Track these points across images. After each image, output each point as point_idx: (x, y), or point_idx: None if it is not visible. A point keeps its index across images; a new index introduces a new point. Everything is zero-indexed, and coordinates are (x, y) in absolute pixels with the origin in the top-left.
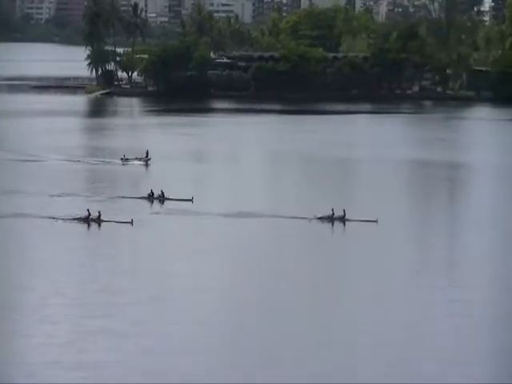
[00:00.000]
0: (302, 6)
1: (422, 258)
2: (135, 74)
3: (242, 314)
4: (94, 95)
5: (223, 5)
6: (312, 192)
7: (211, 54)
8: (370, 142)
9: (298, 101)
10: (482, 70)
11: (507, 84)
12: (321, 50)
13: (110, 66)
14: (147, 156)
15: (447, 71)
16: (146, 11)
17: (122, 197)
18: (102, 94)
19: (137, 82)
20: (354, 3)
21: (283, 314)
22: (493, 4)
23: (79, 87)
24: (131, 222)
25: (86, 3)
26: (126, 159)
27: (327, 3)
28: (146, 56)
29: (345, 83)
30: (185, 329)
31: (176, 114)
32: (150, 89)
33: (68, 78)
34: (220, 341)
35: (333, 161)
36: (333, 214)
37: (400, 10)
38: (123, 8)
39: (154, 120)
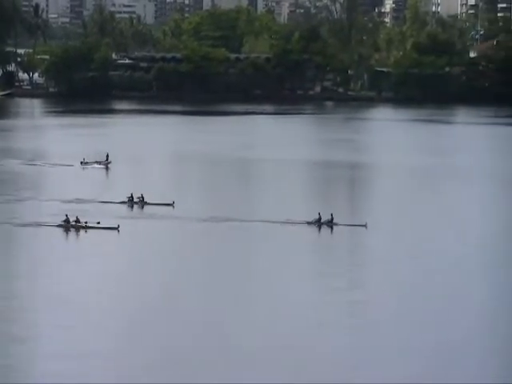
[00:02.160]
0: (205, 7)
1: (324, 260)
2: (36, 75)
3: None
4: None
5: (125, 5)
6: (217, 194)
7: (113, 55)
8: (272, 143)
9: (201, 101)
10: (383, 71)
11: (408, 85)
12: (223, 50)
13: (11, 67)
14: (107, 159)
15: (349, 72)
16: (47, 12)
17: (101, 201)
18: (2, 96)
19: (38, 83)
20: (256, 4)
21: (189, 313)
22: (393, 5)
23: None
24: (117, 228)
25: None
26: (86, 162)
27: (229, 4)
28: (47, 57)
29: (247, 84)
30: (92, 332)
31: (78, 115)
32: (51, 90)
33: None
34: (127, 343)
35: (234, 161)
36: (320, 219)
37: (302, 11)
38: (24, 8)
39: (56, 121)
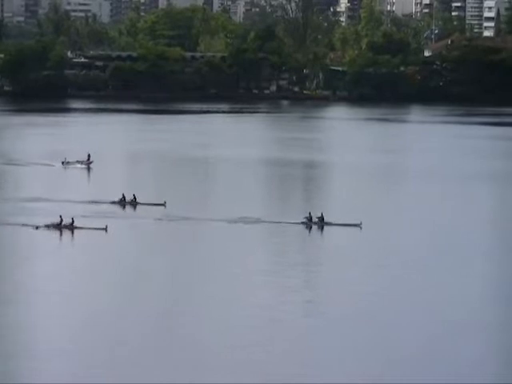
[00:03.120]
0: (160, 6)
1: (275, 259)
2: None
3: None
4: None
5: (80, 4)
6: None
7: (68, 54)
8: (228, 142)
9: (157, 100)
10: (338, 70)
11: (362, 84)
12: (179, 49)
13: None
14: (89, 159)
15: (304, 71)
16: (1, 11)
17: (92, 201)
18: None
19: None
20: (212, 3)
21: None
22: (349, 5)
23: None
24: (105, 229)
25: None
26: (68, 162)
27: (185, 3)
28: (2, 56)
29: (203, 83)
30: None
31: (33, 114)
32: (6, 89)
33: None
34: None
35: (191, 160)
36: (311, 218)
37: (257, 10)
38: None
39: (12, 120)
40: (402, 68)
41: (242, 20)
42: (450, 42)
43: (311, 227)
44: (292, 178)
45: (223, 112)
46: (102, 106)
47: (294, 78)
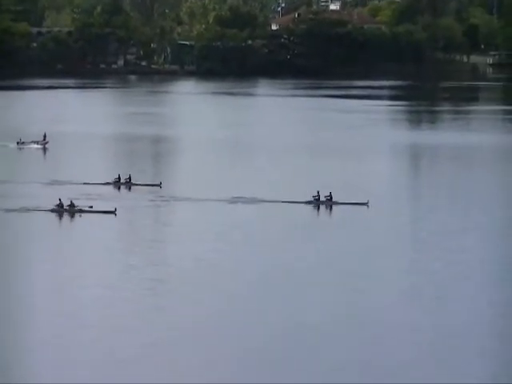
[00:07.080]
0: None
1: (125, 238)
2: None
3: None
4: None
5: None
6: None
7: None
8: (73, 117)
9: (3, 76)
10: (186, 44)
11: (210, 58)
12: (25, 24)
13: None
14: (45, 139)
15: (152, 45)
16: None
17: (85, 183)
18: None
19: None
20: None
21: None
22: None
23: None
24: (114, 212)
25: None
26: (23, 143)
27: None
28: None
29: (49, 58)
30: None
31: None
32: None
33: None
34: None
35: (36, 137)
36: (319, 197)
37: None
38: None
39: None
40: (249, 42)
41: None
42: (296, 15)
43: (319, 206)
44: (139, 153)
45: (70, 87)
46: None
47: (142, 52)
